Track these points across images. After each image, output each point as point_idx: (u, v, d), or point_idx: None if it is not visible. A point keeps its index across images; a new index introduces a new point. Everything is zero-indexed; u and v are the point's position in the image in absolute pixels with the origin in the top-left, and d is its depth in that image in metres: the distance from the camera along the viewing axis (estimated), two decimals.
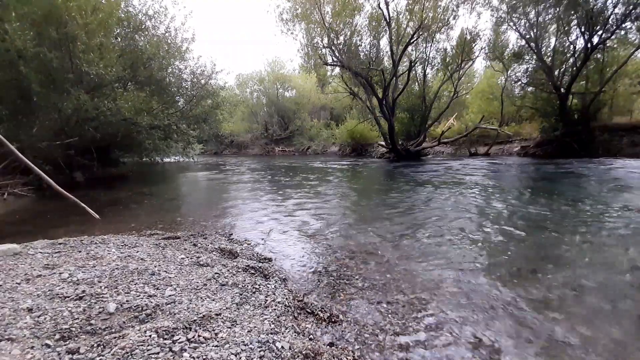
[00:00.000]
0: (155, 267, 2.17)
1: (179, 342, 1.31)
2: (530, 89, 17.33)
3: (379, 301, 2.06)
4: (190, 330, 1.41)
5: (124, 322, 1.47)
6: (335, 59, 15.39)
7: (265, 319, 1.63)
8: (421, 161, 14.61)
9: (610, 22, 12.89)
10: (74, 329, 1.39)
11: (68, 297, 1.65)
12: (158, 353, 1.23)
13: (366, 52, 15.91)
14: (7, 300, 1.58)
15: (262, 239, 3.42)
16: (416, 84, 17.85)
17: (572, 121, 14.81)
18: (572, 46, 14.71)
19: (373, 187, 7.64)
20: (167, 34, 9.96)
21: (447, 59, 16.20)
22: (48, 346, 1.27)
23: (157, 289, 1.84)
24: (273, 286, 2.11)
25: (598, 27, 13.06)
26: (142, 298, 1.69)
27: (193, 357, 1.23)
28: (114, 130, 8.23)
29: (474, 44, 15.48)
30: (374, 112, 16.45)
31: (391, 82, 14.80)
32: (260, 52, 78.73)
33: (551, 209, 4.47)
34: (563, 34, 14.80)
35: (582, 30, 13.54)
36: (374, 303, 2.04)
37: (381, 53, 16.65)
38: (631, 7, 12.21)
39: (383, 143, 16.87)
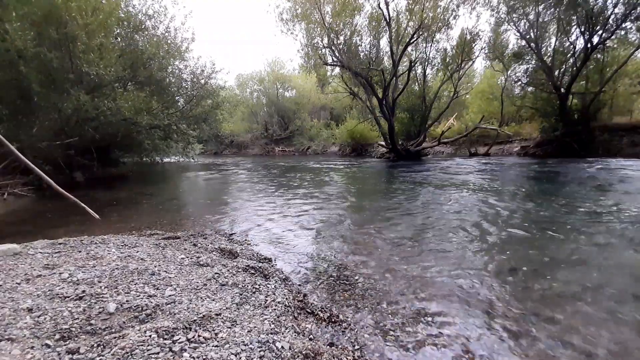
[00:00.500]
0: (155, 267, 2.17)
1: (179, 342, 1.31)
2: (530, 89, 17.33)
3: (379, 301, 2.06)
4: (190, 330, 1.40)
5: (124, 322, 1.47)
6: (335, 59, 15.39)
7: (265, 319, 1.63)
8: (421, 161, 14.61)
9: (610, 22, 12.89)
10: (74, 329, 1.39)
11: (68, 297, 1.65)
12: (158, 353, 1.23)
13: (366, 52, 15.91)
14: (7, 300, 1.58)
15: (262, 239, 3.42)
16: (416, 84, 17.85)
17: (572, 121, 14.81)
18: (572, 46, 14.72)
19: (373, 187, 7.64)
20: (166, 34, 9.96)
21: (447, 59, 16.20)
22: (48, 346, 1.27)
23: (157, 289, 1.84)
24: (273, 286, 2.11)
25: (598, 27, 13.06)
26: (142, 298, 1.69)
27: (193, 357, 1.23)
28: (114, 130, 8.23)
29: (474, 44, 15.48)
30: (374, 112, 16.45)
31: (391, 82, 14.80)
32: (260, 52, 78.84)
33: (551, 210, 4.47)
34: (563, 34, 14.80)
35: (582, 30, 13.54)
36: (374, 303, 2.04)
37: (381, 53, 16.66)
38: (631, 7, 12.21)
39: (383, 143, 16.88)
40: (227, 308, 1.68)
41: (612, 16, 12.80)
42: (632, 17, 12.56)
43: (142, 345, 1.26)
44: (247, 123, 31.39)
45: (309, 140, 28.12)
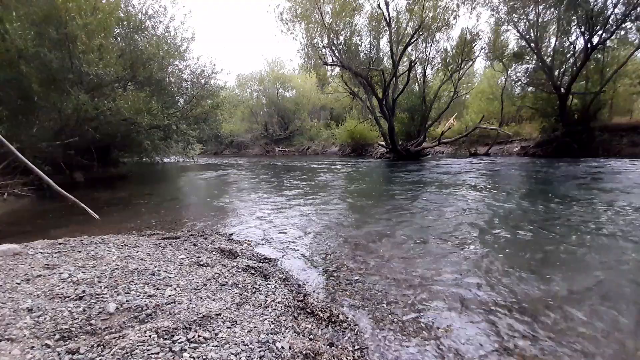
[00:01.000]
0: (155, 267, 2.17)
1: (179, 342, 1.31)
2: (530, 89, 17.34)
3: (379, 301, 2.06)
4: (190, 331, 1.40)
5: (124, 322, 1.47)
6: (335, 59, 15.39)
7: (265, 319, 1.63)
8: (421, 161, 14.61)
9: (610, 22, 12.89)
10: (74, 329, 1.39)
11: (68, 297, 1.65)
12: (158, 353, 1.23)
13: (366, 52, 15.92)
14: (7, 300, 1.58)
15: (262, 239, 3.42)
16: (416, 84, 17.85)
17: (572, 121, 14.81)
18: (572, 46, 14.73)
19: (373, 187, 7.64)
20: (166, 34, 9.97)
21: (447, 59, 16.20)
22: (48, 346, 1.27)
23: (157, 289, 1.84)
24: (273, 286, 2.11)
25: (598, 27, 13.06)
26: (142, 298, 1.69)
27: (193, 357, 1.23)
28: (113, 131, 8.24)
29: (474, 44, 15.48)
30: (374, 112, 16.45)
31: (391, 82, 14.80)
32: (260, 52, 78.77)
33: (551, 210, 4.47)
34: (563, 34, 14.81)
35: (582, 30, 13.54)
36: (374, 303, 2.03)
37: (381, 53, 16.68)
38: (631, 7, 12.21)
39: (383, 143, 16.88)
40: (227, 308, 1.68)
41: (612, 16, 12.80)
42: (632, 17, 12.57)
43: (142, 345, 1.26)
44: (247, 123, 31.41)
45: (309, 140, 28.14)
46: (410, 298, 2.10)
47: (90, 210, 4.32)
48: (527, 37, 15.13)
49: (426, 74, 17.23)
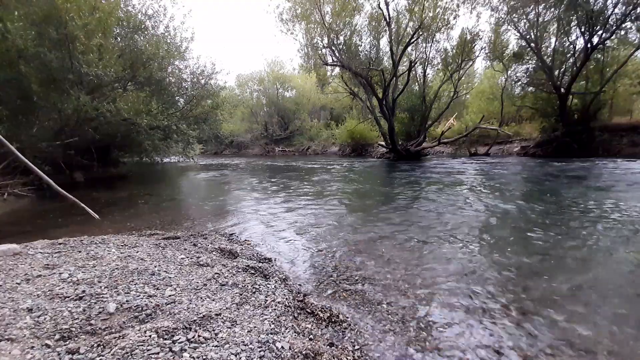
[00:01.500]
0: (155, 267, 2.17)
1: (179, 342, 1.31)
2: (530, 89, 17.34)
3: (379, 301, 2.06)
4: (190, 331, 1.40)
5: (124, 322, 1.47)
6: (335, 59, 15.39)
7: (265, 319, 1.63)
8: (421, 161, 14.61)
9: (610, 22, 12.90)
10: (74, 329, 1.39)
11: (68, 297, 1.65)
12: (158, 353, 1.23)
13: (366, 52, 15.92)
14: (7, 300, 1.58)
15: (262, 239, 3.42)
16: (416, 84, 17.85)
17: (572, 121, 14.82)
18: (572, 46, 14.73)
19: (373, 187, 7.64)
20: (166, 34, 9.96)
21: (447, 59, 16.21)
22: (48, 346, 1.27)
23: (157, 289, 1.84)
24: (273, 286, 2.11)
25: (598, 27, 13.06)
26: (142, 298, 1.69)
27: (193, 357, 1.23)
28: (113, 131, 8.24)
29: (474, 44, 15.48)
30: (374, 112, 16.45)
31: (391, 82, 14.80)
32: (260, 52, 78.77)
33: (550, 209, 4.47)
34: (563, 34, 14.81)
35: (582, 30, 13.55)
36: (374, 303, 2.03)
37: (381, 53, 16.67)
38: (631, 7, 12.22)
39: (383, 143, 16.88)
40: (227, 308, 1.68)
41: (612, 16, 12.81)
42: (632, 17, 12.57)
43: (142, 345, 1.26)
44: (247, 123, 31.40)
45: (309, 140, 28.14)
46: (411, 298, 2.10)
47: (90, 210, 4.32)
48: (527, 37, 15.14)
49: (426, 74, 17.24)
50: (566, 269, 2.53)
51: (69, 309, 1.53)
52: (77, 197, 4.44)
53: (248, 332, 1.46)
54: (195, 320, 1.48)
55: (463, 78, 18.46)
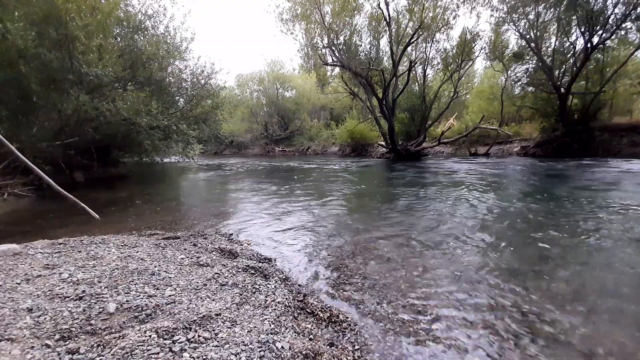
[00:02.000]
0: (155, 267, 2.17)
1: (179, 342, 1.31)
2: (530, 89, 17.36)
3: (379, 301, 2.05)
4: (190, 331, 1.40)
5: (124, 322, 1.47)
6: (335, 59, 15.40)
7: (265, 319, 1.63)
8: (421, 161, 14.61)
9: (610, 22, 12.91)
10: (74, 329, 1.39)
11: (68, 297, 1.65)
12: (158, 353, 1.23)
13: (366, 52, 15.93)
14: (7, 300, 1.58)
15: (262, 239, 3.42)
16: (416, 84, 17.87)
17: (572, 121, 14.82)
18: (572, 46, 14.74)
19: (373, 187, 7.64)
20: (166, 34, 9.96)
21: (447, 59, 16.22)
22: (48, 346, 1.27)
23: (157, 289, 1.84)
24: (273, 286, 2.11)
25: (598, 27, 13.07)
26: (142, 298, 1.69)
27: (193, 357, 1.23)
28: (113, 131, 8.23)
29: (474, 44, 15.49)
30: (374, 112, 16.46)
31: (391, 82, 14.81)
32: (260, 52, 78.80)
33: (550, 209, 4.47)
34: (563, 34, 14.82)
35: (582, 30, 13.55)
36: (374, 303, 2.03)
37: (381, 53, 16.69)
38: (631, 7, 12.22)
39: (383, 143, 16.89)
40: (227, 308, 1.68)
41: (612, 16, 12.82)
42: (632, 17, 12.58)
43: (142, 345, 1.26)
44: (247, 123, 31.40)
45: (309, 140, 28.14)
46: (411, 298, 2.10)
47: (90, 209, 4.32)
48: (527, 37, 15.15)
49: (426, 74, 17.26)
50: (566, 269, 2.53)
51: (69, 309, 1.53)
52: (77, 197, 4.43)
53: (248, 332, 1.46)
54: (195, 320, 1.48)
55: (463, 78, 18.46)
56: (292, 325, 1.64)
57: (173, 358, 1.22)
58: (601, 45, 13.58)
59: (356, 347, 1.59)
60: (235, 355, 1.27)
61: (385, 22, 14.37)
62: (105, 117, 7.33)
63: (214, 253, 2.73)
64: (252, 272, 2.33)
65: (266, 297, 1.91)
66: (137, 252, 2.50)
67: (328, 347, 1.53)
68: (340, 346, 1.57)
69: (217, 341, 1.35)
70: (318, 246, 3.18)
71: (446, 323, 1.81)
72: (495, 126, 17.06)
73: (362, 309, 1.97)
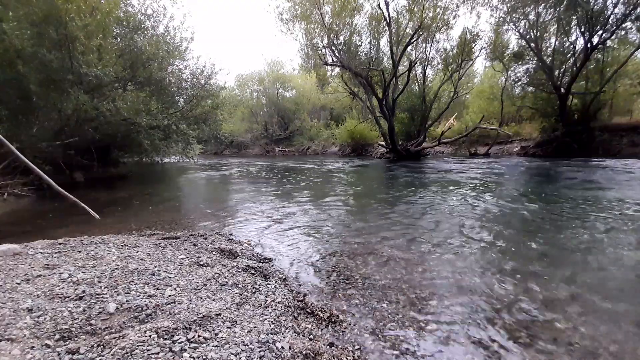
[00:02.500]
0: (155, 267, 2.17)
1: (179, 342, 1.31)
2: (530, 89, 17.34)
3: (379, 301, 2.06)
4: (190, 331, 1.40)
5: (124, 322, 1.47)
6: (335, 59, 15.40)
7: (265, 319, 1.63)
8: (421, 161, 14.61)
9: (610, 22, 12.90)
10: (74, 329, 1.39)
11: (68, 297, 1.65)
12: (158, 353, 1.23)
13: (366, 52, 15.93)
14: (7, 300, 1.58)
15: (262, 239, 3.41)
16: (416, 84, 17.85)
17: (572, 121, 14.82)
18: (572, 46, 14.73)
19: (373, 187, 7.64)
20: (166, 34, 9.96)
21: (447, 59, 16.20)
22: (48, 346, 1.27)
23: (157, 289, 1.84)
24: (273, 286, 2.11)
25: (598, 27, 13.06)
26: (142, 298, 1.69)
27: (193, 357, 1.23)
28: (113, 131, 8.24)
29: (474, 44, 15.48)
30: (374, 112, 16.46)
31: (391, 82, 14.81)
32: (260, 52, 78.75)
33: (550, 209, 4.47)
34: (563, 34, 14.81)
35: (582, 30, 13.54)
36: (374, 303, 2.03)
37: (381, 53, 16.69)
38: (631, 7, 12.22)
39: (383, 143, 16.88)
40: (227, 308, 1.68)
41: (612, 16, 12.81)
42: (632, 17, 12.57)
43: (142, 345, 1.26)
44: (247, 123, 31.38)
45: (309, 140, 28.13)
46: (411, 298, 2.10)
47: (90, 209, 4.32)
48: (527, 37, 15.14)
49: (426, 74, 17.24)
50: (566, 270, 2.53)
51: (69, 309, 1.53)
52: (77, 197, 4.44)
53: (248, 332, 1.46)
54: (195, 320, 1.48)
55: (463, 78, 18.44)
56: (292, 325, 1.64)
57: (173, 358, 1.22)
58: (601, 45, 13.57)
59: (356, 347, 1.59)
60: (235, 355, 1.27)
61: (385, 22, 14.36)
62: (105, 117, 7.33)
63: (214, 253, 2.73)
64: (252, 272, 2.33)
65: (266, 297, 1.91)
66: (137, 252, 2.50)
67: (328, 347, 1.53)
68: (340, 346, 1.57)
69: (217, 341, 1.35)
70: (318, 246, 3.18)
71: (446, 323, 1.81)
72: (495, 126, 17.05)
73: (362, 309, 1.97)
